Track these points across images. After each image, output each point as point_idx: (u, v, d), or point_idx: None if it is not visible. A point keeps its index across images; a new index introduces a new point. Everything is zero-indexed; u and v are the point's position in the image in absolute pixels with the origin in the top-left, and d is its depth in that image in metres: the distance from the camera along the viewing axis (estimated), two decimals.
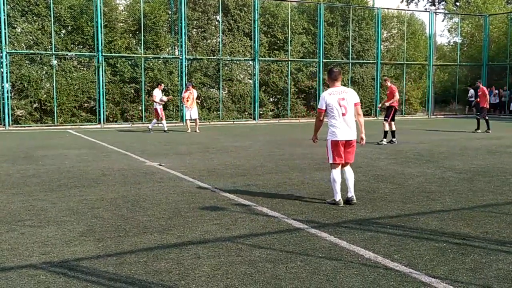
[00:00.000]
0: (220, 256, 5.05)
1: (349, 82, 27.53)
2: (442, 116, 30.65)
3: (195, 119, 19.66)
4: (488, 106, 19.77)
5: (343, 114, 7.07)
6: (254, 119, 25.38)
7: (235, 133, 19.35)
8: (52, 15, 21.34)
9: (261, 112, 25.82)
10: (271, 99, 26.65)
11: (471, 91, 30.76)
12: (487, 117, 19.16)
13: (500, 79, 31.38)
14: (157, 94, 19.09)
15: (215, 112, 24.83)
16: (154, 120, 19.59)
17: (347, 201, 7.30)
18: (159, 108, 19.15)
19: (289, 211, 6.85)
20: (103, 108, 22.20)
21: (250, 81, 25.88)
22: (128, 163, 11.16)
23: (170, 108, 23.70)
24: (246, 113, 25.64)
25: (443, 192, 8.14)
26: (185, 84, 20.57)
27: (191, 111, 19.43)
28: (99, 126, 22.01)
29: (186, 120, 19.82)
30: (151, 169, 10.36)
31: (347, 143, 7.17)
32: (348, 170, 7.35)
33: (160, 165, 10.86)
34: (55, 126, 21.38)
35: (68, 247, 5.34)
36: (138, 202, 7.40)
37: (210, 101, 24.78)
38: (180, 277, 4.51)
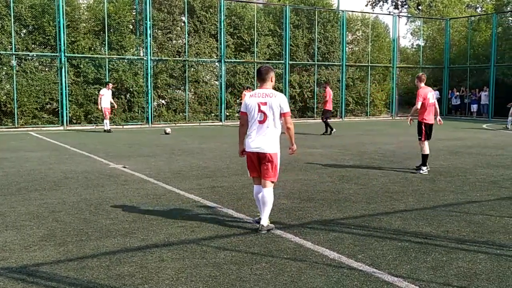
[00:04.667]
0: (185, 259, 5.00)
1: (315, 83, 27.77)
2: (406, 117, 31.20)
3: None
4: (329, 108, 19.54)
5: (261, 122, 5.86)
6: (221, 120, 25.31)
7: (201, 134, 19.26)
8: (12, 14, 20.79)
9: (227, 114, 25.76)
10: (238, 101, 26.63)
11: (436, 93, 31.44)
12: (326, 120, 19.27)
13: (461, 81, 32.19)
14: (105, 93, 19.83)
15: (181, 114, 24.65)
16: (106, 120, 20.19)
17: (258, 229, 5.95)
18: (106, 107, 19.88)
19: (254, 212, 6.83)
20: (66, 109, 21.74)
21: (217, 82, 25.80)
22: (91, 166, 10.96)
23: (135, 109, 23.41)
24: (213, 114, 25.54)
25: (406, 192, 8.28)
26: (246, 87, 22.49)
27: None
28: (61, 128, 21.55)
29: None
30: (115, 172, 10.20)
31: (262, 157, 5.88)
32: (266, 191, 5.90)
33: (124, 167, 10.70)
34: (15, 128, 20.81)
35: (28, 252, 5.20)
36: (101, 205, 7.27)
37: (176, 102, 24.59)
38: (144, 281, 4.44)
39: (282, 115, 5.90)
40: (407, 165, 11.08)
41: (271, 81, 6.06)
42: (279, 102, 5.87)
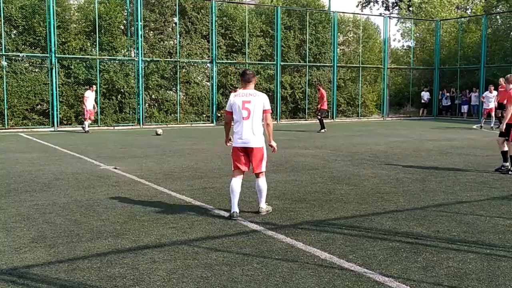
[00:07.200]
0: (176, 260, 4.99)
1: (306, 84, 27.82)
2: (397, 118, 31.36)
3: None
4: (326, 108, 21.56)
5: (245, 118, 6.49)
6: (212, 121, 25.29)
7: (193, 135, 19.23)
8: (2, 15, 20.65)
9: (219, 115, 25.72)
10: None
11: (426, 94, 31.61)
12: (320, 118, 20.88)
13: (451, 82, 32.37)
14: (90, 95, 20.27)
15: (172, 115, 24.59)
16: (86, 122, 20.54)
17: (258, 211, 6.81)
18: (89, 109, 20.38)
19: (246, 213, 6.84)
20: (57, 110, 21.62)
21: (208, 83, 25.77)
22: (82, 167, 10.91)
23: (126, 111, 23.33)
24: (204, 115, 25.51)
25: (397, 192, 8.32)
26: (237, 88, 22.14)
27: None
28: (52, 129, 21.43)
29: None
30: (106, 173, 10.16)
31: (250, 151, 6.59)
32: (260, 181, 6.71)
33: (115, 168, 10.67)
34: (5, 129, 20.66)
35: (18, 254, 5.17)
36: (92, 206, 7.24)
37: (168, 103, 24.53)
38: (135, 282, 4.43)
39: (264, 111, 6.61)
40: (398, 166, 11.14)
41: (254, 84, 6.74)
42: (262, 100, 6.60)
